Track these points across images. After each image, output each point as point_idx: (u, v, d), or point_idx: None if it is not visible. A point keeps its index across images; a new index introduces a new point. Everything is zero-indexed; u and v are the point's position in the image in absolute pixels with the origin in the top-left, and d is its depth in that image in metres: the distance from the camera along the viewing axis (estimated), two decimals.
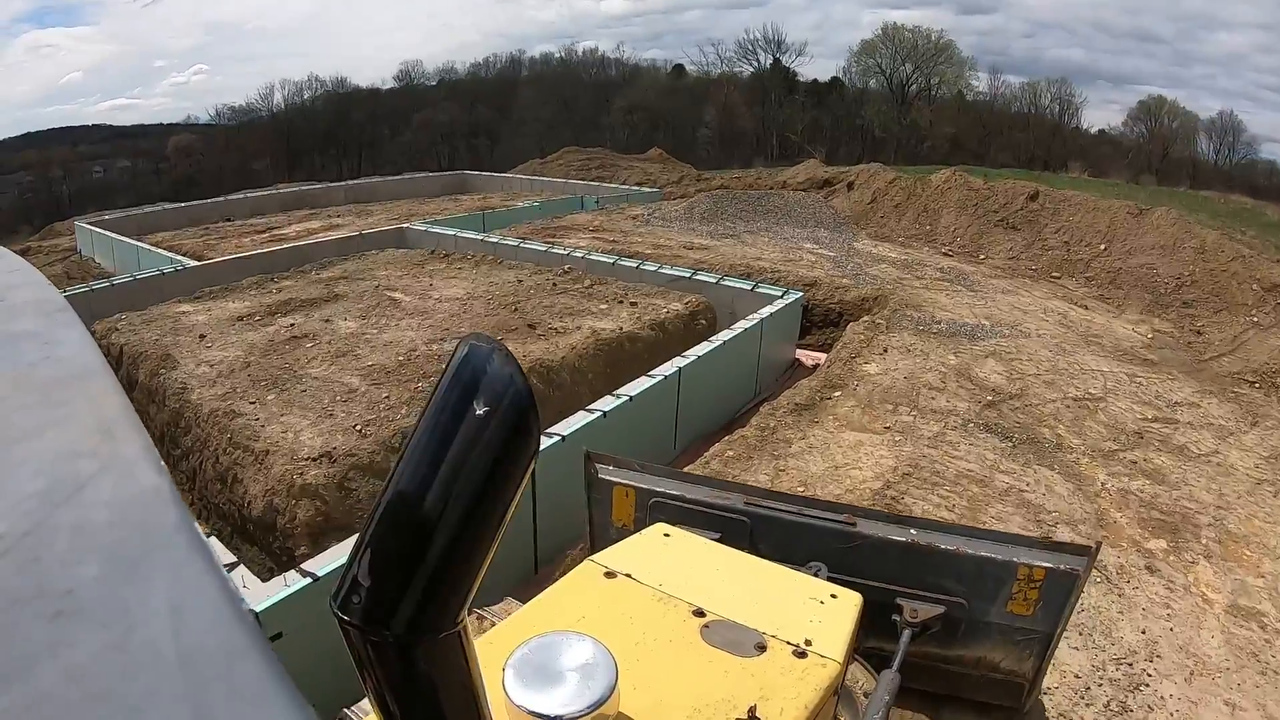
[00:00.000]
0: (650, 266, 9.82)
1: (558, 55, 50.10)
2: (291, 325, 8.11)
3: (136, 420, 0.51)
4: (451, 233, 12.43)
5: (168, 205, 19.96)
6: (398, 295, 9.18)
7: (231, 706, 0.30)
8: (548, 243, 11.98)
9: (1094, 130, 44.18)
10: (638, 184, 20.62)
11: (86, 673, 0.30)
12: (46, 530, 0.37)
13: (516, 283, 9.49)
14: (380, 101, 55.86)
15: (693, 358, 6.31)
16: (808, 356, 9.49)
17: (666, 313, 8.16)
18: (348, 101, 55.45)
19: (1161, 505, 5.36)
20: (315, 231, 15.15)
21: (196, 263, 11.22)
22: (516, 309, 8.33)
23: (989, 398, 6.63)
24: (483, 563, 0.65)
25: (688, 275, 9.44)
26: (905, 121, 41.81)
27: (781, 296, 8.72)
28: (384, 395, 6.22)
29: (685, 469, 4.71)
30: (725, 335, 7.00)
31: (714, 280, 9.27)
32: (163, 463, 0.46)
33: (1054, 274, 12.26)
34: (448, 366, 0.65)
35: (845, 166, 18.54)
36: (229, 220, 17.95)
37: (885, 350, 7.55)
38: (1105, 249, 12.38)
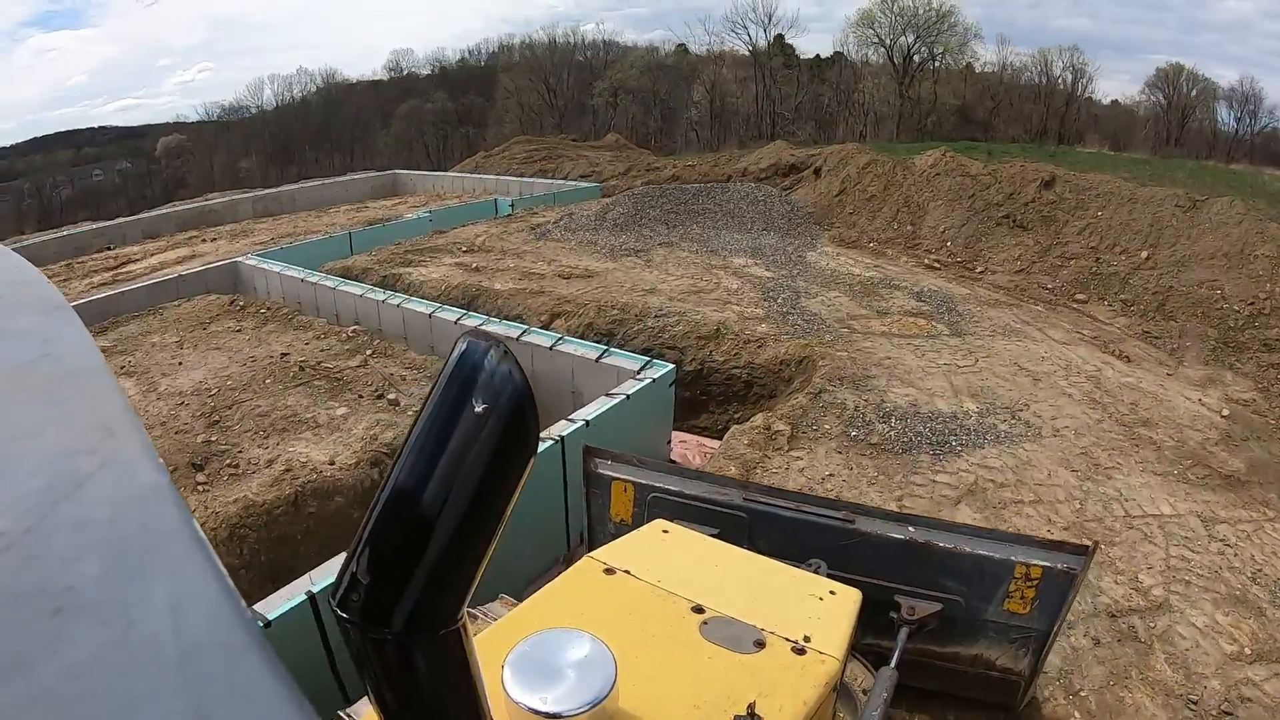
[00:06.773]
0: (475, 319, 6.43)
1: (544, 39, 45.89)
2: None
3: (136, 419, 0.46)
4: (277, 269, 9.27)
5: (51, 233, 17.25)
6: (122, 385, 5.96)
7: (230, 703, 0.29)
8: (391, 275, 8.66)
9: (1108, 100, 39.04)
10: (582, 176, 17.10)
11: (86, 669, 0.29)
12: (47, 527, 0.36)
13: (278, 357, 6.18)
14: (378, 92, 52.54)
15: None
16: (697, 447, 6.07)
17: None
18: (340, 93, 52.22)
19: None
20: (169, 264, 12.31)
21: None
22: (217, 421, 5.04)
23: None
24: (481, 560, 0.63)
25: (515, 335, 6.03)
26: (907, 95, 37.14)
27: (639, 372, 5.31)
28: None
29: None
30: None
31: (548, 344, 5.85)
32: (161, 461, 0.42)
33: (1078, 296, 8.56)
34: (446, 364, 0.62)
35: (816, 148, 14.74)
36: (109, 248, 15.21)
37: None
38: (1148, 258, 8.62)
